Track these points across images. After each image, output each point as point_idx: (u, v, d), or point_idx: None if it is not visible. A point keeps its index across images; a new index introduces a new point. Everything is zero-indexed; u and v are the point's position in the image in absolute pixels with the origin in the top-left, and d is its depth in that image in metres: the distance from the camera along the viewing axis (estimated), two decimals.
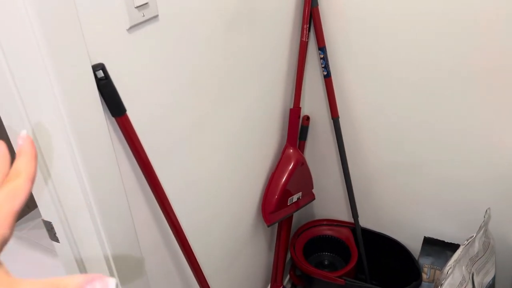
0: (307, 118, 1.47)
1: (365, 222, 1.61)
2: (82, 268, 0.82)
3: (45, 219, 0.78)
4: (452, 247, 1.42)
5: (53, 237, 0.80)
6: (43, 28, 0.55)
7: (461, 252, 1.15)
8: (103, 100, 0.67)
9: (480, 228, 1.21)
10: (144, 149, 0.75)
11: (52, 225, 0.78)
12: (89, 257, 0.80)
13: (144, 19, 0.71)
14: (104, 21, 0.65)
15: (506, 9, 1.03)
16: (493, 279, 1.33)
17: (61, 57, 0.58)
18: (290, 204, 1.39)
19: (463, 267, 1.17)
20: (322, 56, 1.31)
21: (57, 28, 0.57)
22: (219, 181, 1.10)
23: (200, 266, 1.00)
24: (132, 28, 0.69)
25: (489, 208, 1.27)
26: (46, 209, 0.76)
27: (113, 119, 0.70)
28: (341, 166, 1.48)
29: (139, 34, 0.72)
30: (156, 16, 0.74)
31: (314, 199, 1.51)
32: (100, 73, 0.64)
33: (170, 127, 0.86)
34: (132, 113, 0.73)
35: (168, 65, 0.81)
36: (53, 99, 0.60)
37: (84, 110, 0.63)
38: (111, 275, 0.80)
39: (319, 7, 1.25)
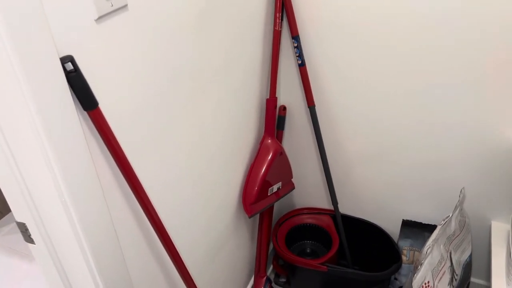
0: (283, 108, 1.47)
1: (345, 208, 1.63)
2: (60, 269, 0.80)
3: (19, 220, 0.75)
4: (430, 228, 1.46)
5: (28, 238, 0.77)
6: (5, 19, 0.52)
7: (438, 231, 1.18)
8: (73, 94, 0.65)
9: (456, 207, 1.24)
10: (119, 144, 0.74)
11: (26, 226, 0.75)
12: (67, 257, 0.78)
13: (112, 9, 0.69)
14: (71, 11, 0.62)
15: None
16: (470, 256, 1.37)
17: (26, 49, 0.55)
18: (270, 195, 1.39)
19: (441, 246, 1.20)
20: (296, 45, 1.31)
21: (21, 19, 0.54)
22: (199, 175, 1.09)
23: (183, 261, 0.99)
24: (100, 18, 0.67)
25: (463, 187, 1.30)
26: (19, 210, 0.73)
27: (86, 113, 0.68)
28: (319, 154, 1.49)
29: (109, 24, 0.69)
30: (125, 6, 0.72)
31: (294, 188, 1.52)
32: (69, 66, 0.62)
33: (145, 120, 0.84)
34: (105, 107, 0.71)
35: (140, 56, 0.79)
36: (20, 94, 0.58)
37: (53, 105, 0.61)
38: (91, 274, 0.78)
39: None
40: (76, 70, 0.63)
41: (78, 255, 0.74)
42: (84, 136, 0.68)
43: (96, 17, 0.66)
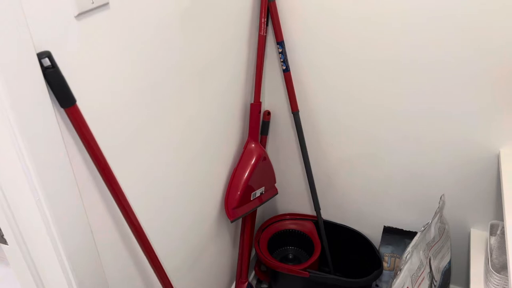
0: (268, 113, 1.47)
1: (327, 214, 1.64)
2: (34, 271, 0.78)
3: None
4: (411, 235, 1.47)
5: (1, 239, 0.75)
6: None
7: (418, 237, 1.19)
8: (50, 91, 0.64)
9: (436, 214, 1.25)
10: (96, 143, 0.72)
11: None
12: (41, 259, 0.76)
13: (93, 6, 0.68)
14: (50, 7, 0.62)
15: None
16: (449, 263, 1.38)
17: (2, 43, 0.54)
18: (253, 199, 1.39)
19: (421, 252, 1.21)
20: (280, 50, 1.31)
21: None
22: (180, 177, 1.08)
23: (162, 265, 0.97)
24: (80, 15, 0.67)
25: (443, 194, 1.32)
26: None
27: (63, 110, 0.67)
28: (302, 160, 1.49)
29: (89, 21, 0.69)
30: (106, 4, 0.71)
31: (277, 193, 1.52)
32: (46, 61, 0.61)
33: (125, 120, 0.83)
34: (83, 105, 0.70)
35: (122, 55, 0.78)
36: None
37: (29, 101, 0.60)
38: (67, 278, 0.77)
39: (276, 1, 1.26)
40: (54, 66, 0.62)
41: (52, 255, 0.73)
42: (60, 133, 0.67)
43: (76, 13, 0.66)
